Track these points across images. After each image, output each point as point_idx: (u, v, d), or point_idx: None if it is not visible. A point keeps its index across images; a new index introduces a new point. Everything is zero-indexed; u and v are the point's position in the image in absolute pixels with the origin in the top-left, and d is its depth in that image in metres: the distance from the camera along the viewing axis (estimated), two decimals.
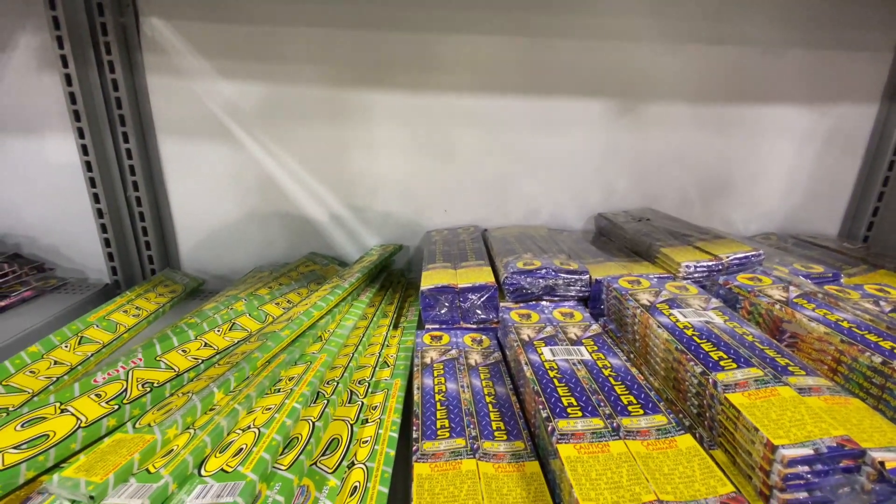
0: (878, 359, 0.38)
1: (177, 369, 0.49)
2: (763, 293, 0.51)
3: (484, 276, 0.62)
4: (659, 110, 0.82)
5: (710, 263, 0.60)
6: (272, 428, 0.41)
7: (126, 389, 0.44)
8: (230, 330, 0.57)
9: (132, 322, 0.65)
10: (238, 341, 0.56)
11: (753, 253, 0.60)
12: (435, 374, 0.50)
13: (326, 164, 0.83)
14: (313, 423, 0.43)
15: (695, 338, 0.43)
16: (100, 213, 0.76)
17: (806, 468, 0.29)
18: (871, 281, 0.61)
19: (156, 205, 0.80)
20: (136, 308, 0.68)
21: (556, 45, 0.77)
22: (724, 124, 0.83)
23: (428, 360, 0.53)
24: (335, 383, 0.50)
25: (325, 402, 0.47)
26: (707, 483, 0.31)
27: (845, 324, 0.43)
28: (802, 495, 0.29)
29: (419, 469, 0.37)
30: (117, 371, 0.47)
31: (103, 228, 0.77)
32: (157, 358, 0.50)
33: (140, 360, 0.49)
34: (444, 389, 0.48)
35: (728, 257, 0.60)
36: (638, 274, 0.61)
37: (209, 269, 0.85)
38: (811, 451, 0.29)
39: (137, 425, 0.40)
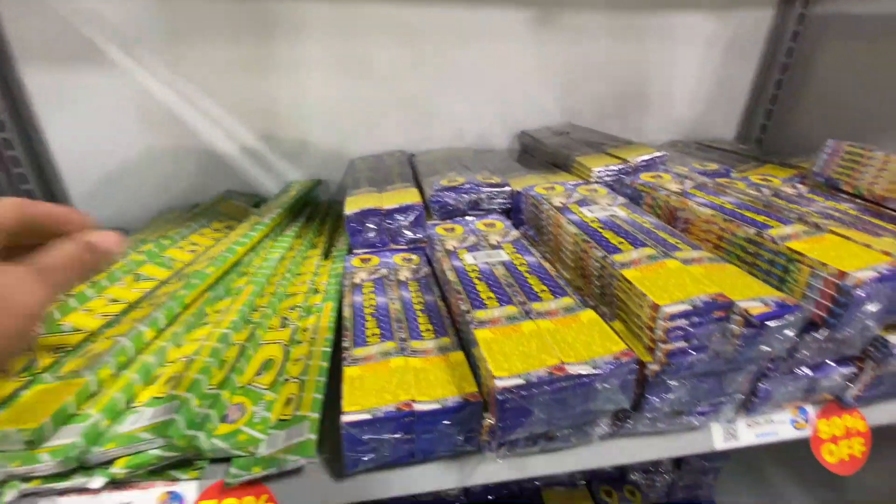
0: (751, 230, 0.43)
1: (85, 330, 0.45)
2: (662, 188, 0.55)
3: (410, 196, 0.62)
4: (576, 20, 0.81)
5: (619, 167, 0.64)
6: (203, 353, 0.40)
7: (34, 361, 0.40)
8: (136, 281, 0.53)
9: None
10: (153, 288, 0.53)
11: (658, 155, 0.64)
12: (365, 292, 0.51)
13: (231, 90, 0.76)
14: (242, 345, 0.43)
15: (599, 229, 0.46)
16: None
17: (684, 321, 0.34)
18: (758, 173, 0.68)
19: (30, 147, 0.70)
20: None
21: None
22: (637, 34, 0.84)
23: (357, 281, 0.53)
24: (264, 309, 0.50)
25: (254, 326, 0.46)
26: (604, 345, 0.35)
27: (728, 206, 0.48)
28: (681, 344, 0.34)
29: (349, 372, 0.38)
30: None
31: None
32: (59, 322, 0.46)
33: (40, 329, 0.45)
34: (374, 304, 0.49)
35: (635, 160, 0.64)
36: (554, 182, 0.63)
37: (109, 217, 0.78)
38: (689, 307, 0.34)
39: (60, 373, 0.37)
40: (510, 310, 0.39)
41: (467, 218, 0.62)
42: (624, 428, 0.40)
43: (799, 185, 0.60)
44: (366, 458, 0.35)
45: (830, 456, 0.46)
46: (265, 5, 0.71)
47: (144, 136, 0.76)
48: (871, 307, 0.35)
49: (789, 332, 0.34)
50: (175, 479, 0.35)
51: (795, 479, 0.93)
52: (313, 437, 0.36)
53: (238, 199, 0.80)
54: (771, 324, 0.33)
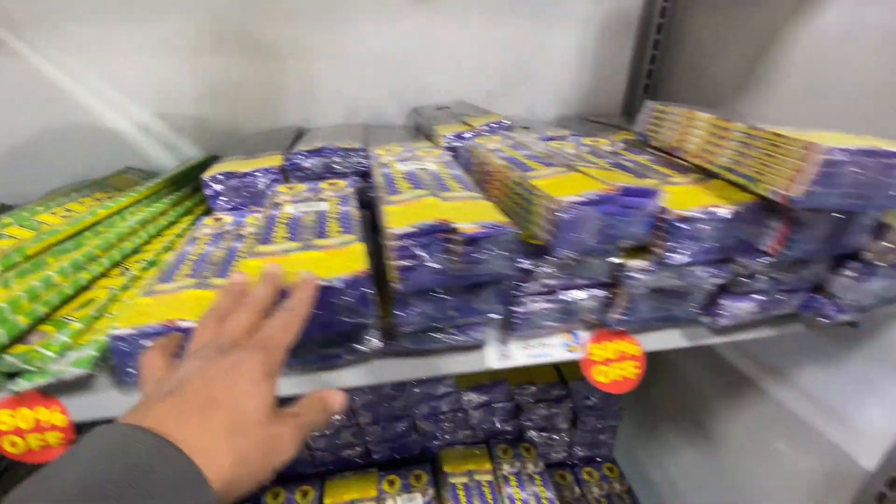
0: (518, 173, 0.48)
1: None
2: (484, 146, 0.60)
3: (270, 161, 0.66)
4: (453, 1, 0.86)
5: (465, 132, 0.68)
6: (16, 287, 0.45)
7: None
8: None
9: None
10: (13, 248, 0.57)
11: (500, 121, 0.69)
12: (198, 243, 0.56)
13: (125, 70, 0.80)
14: (59, 284, 0.48)
15: (398, 179, 0.51)
16: None
17: (410, 241, 0.39)
18: (602, 139, 0.73)
19: None
20: None
21: None
22: (516, 14, 0.89)
23: (198, 235, 0.58)
24: (101, 260, 0.54)
25: (81, 270, 0.51)
26: (349, 266, 0.40)
27: (521, 158, 0.53)
28: (408, 263, 0.39)
29: (141, 300, 0.43)
30: None
31: None
32: None
33: None
34: (203, 252, 0.53)
35: (480, 126, 0.69)
36: (411, 146, 0.68)
37: (10, 196, 0.82)
38: (415, 230, 0.39)
39: None
40: (293, 244, 0.44)
41: (319, 180, 0.66)
42: (392, 346, 0.45)
43: (620, 144, 0.65)
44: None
45: (602, 377, 0.51)
46: None
47: (40, 118, 0.80)
48: (581, 230, 0.40)
49: (498, 249, 0.39)
50: None
51: (682, 434, 0.99)
52: (95, 353, 0.41)
53: (134, 174, 0.85)
54: (478, 239, 0.38)
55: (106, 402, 0.42)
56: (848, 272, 0.47)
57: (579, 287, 0.47)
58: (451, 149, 0.67)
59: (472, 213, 0.41)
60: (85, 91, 0.80)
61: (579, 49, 0.94)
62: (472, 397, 0.95)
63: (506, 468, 0.96)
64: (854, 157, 0.37)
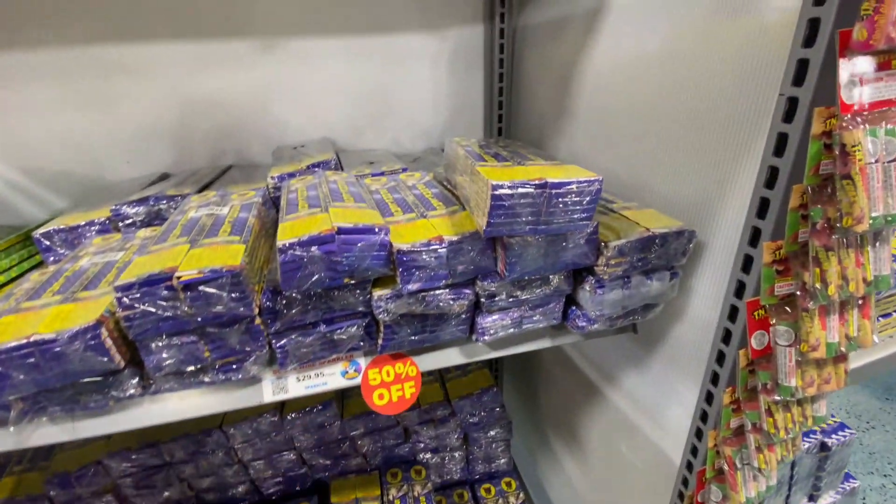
0: (281, 216, 0.52)
1: None
2: (289, 187, 0.64)
3: (99, 213, 0.70)
4: (304, 45, 0.91)
5: (292, 172, 0.73)
6: None
7: None
8: None
9: None
10: None
11: (327, 160, 0.74)
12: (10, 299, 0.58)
13: None
14: None
15: (177, 227, 0.55)
16: None
17: (133, 291, 0.42)
18: (418, 173, 0.77)
19: None
20: None
21: None
22: (369, 54, 0.95)
23: (15, 291, 0.60)
24: None
25: None
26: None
27: (301, 199, 0.57)
28: (130, 312, 0.42)
29: None
30: None
31: None
32: None
33: None
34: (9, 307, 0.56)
35: (306, 165, 0.73)
36: (225, 191, 0.72)
37: None
38: (136, 281, 0.42)
39: None
40: (56, 297, 0.47)
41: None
42: (156, 389, 0.48)
43: (425, 178, 0.70)
44: None
45: (380, 399, 0.54)
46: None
47: None
48: (304, 269, 0.44)
49: (223, 291, 0.43)
50: None
51: (563, 443, 1.02)
52: None
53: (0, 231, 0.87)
54: (196, 284, 0.42)
55: None
56: (585, 286, 0.52)
57: (338, 319, 0.50)
58: (277, 188, 0.72)
59: (210, 258, 0.45)
60: None
61: (433, 84, 1.00)
62: (356, 424, 0.97)
63: (392, 493, 0.97)
64: (519, 189, 0.42)
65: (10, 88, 0.82)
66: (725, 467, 0.54)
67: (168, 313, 0.43)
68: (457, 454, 1.06)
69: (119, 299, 0.42)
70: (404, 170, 0.77)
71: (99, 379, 0.45)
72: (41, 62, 0.82)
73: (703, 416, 0.57)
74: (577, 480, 0.99)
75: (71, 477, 0.87)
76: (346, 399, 1.00)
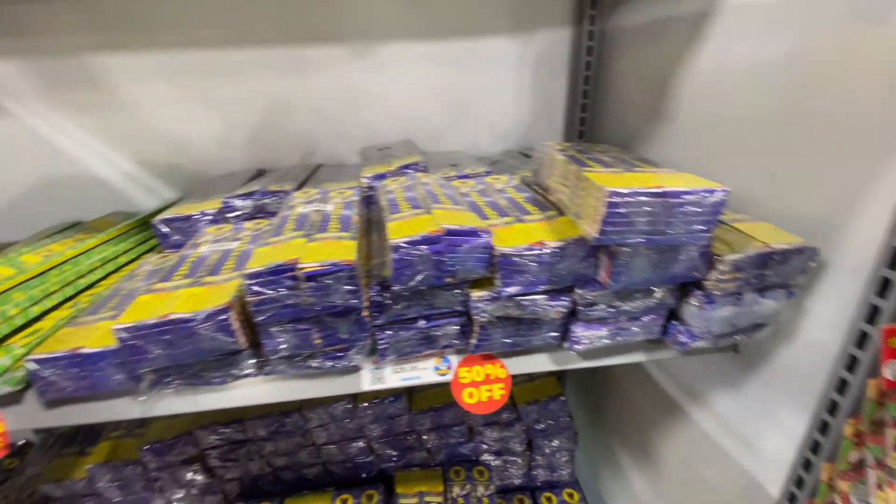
0: (385, 216, 0.54)
1: None
2: (385, 188, 0.66)
3: (211, 205, 0.76)
4: (394, 50, 0.95)
5: (384, 173, 0.75)
6: None
7: None
8: None
9: None
10: None
11: (417, 162, 0.76)
12: (134, 279, 0.65)
13: (105, 125, 0.93)
14: (13, 316, 0.57)
15: (289, 221, 0.58)
16: None
17: (260, 280, 0.45)
18: (519, 176, 0.78)
19: None
20: None
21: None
22: (453, 58, 0.97)
23: (137, 272, 0.67)
24: (54, 295, 0.64)
25: (35, 304, 0.61)
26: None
27: (400, 200, 0.59)
28: (260, 297, 0.46)
29: (65, 331, 0.52)
30: None
31: None
32: None
33: None
34: (134, 287, 0.62)
35: (398, 167, 0.76)
36: (324, 189, 0.75)
37: (20, 234, 0.96)
38: (264, 269, 0.45)
39: None
40: (185, 281, 0.52)
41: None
42: (269, 370, 0.51)
43: (514, 182, 0.70)
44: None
45: (469, 398, 0.55)
46: (122, 58, 0.89)
47: (40, 169, 0.94)
48: (413, 267, 0.46)
49: (338, 284, 0.45)
50: None
51: (633, 460, 0.99)
52: (22, 374, 0.50)
53: (118, 217, 0.97)
54: (317, 276, 0.44)
55: (33, 413, 0.51)
56: (692, 300, 0.50)
57: (436, 316, 0.52)
58: (370, 187, 0.75)
59: (327, 252, 0.48)
60: (73, 145, 0.94)
61: (515, 87, 1.00)
62: (423, 419, 0.99)
63: (456, 491, 0.98)
64: (637, 198, 0.41)
65: (131, 87, 0.91)
66: (839, 502, 0.50)
67: (290, 301, 0.46)
68: (519, 459, 1.05)
69: (249, 286, 0.45)
70: (488, 173, 0.78)
71: (221, 357, 0.49)
72: (159, 64, 0.90)
73: (814, 447, 0.53)
74: (647, 501, 0.95)
75: (165, 445, 0.95)
76: (414, 394, 1.03)
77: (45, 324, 0.60)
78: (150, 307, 0.47)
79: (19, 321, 0.58)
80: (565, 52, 0.98)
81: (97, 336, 0.50)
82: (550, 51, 0.97)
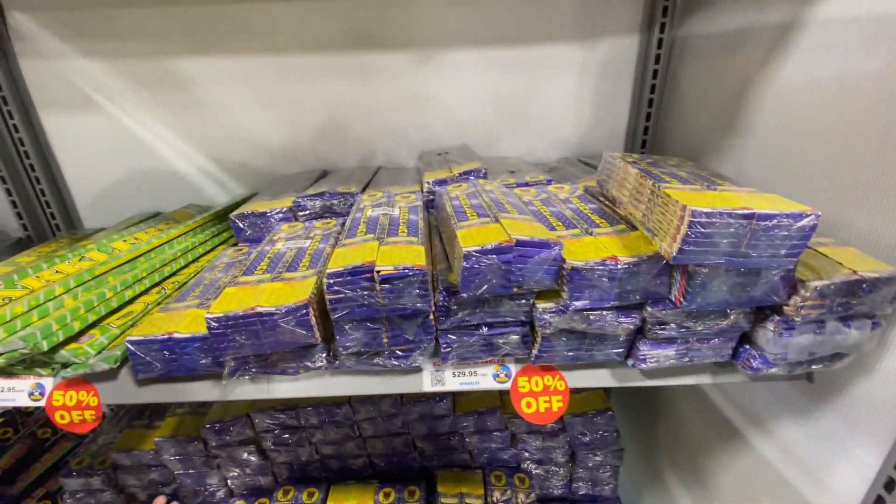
0: (452, 222, 0.55)
1: (31, 288, 0.68)
2: (448, 193, 0.68)
3: (283, 203, 0.80)
4: (457, 56, 0.96)
5: (446, 178, 0.77)
6: (80, 300, 0.60)
7: None
8: (80, 261, 0.76)
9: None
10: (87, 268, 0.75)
11: (478, 168, 0.77)
12: (214, 270, 0.69)
13: (185, 124, 1.00)
14: (109, 298, 0.63)
15: (361, 224, 0.61)
16: (3, 180, 0.95)
17: (340, 279, 0.48)
18: (582, 185, 0.77)
19: (48, 170, 0.99)
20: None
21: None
22: (516, 65, 0.97)
23: (217, 263, 0.72)
24: (143, 281, 0.70)
25: (128, 288, 0.66)
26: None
27: (465, 207, 0.60)
28: (340, 296, 0.48)
29: (158, 315, 0.56)
30: None
31: (8, 192, 0.96)
32: (15, 282, 0.69)
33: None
34: (214, 278, 0.67)
35: (459, 172, 0.77)
36: (394, 191, 0.78)
37: (106, 221, 1.05)
38: (344, 270, 0.48)
39: None
40: (266, 276, 0.55)
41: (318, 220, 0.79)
42: (338, 364, 0.54)
43: (578, 192, 0.69)
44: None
45: (528, 408, 0.56)
46: (204, 62, 0.95)
47: (125, 162, 1.02)
48: (482, 276, 0.47)
49: (410, 287, 0.47)
50: (40, 375, 0.56)
51: (682, 481, 0.96)
52: (119, 353, 0.55)
53: (193, 209, 1.04)
54: (391, 279, 0.46)
55: (126, 389, 0.56)
56: (769, 325, 0.48)
57: (499, 324, 0.53)
58: (432, 192, 0.77)
59: (399, 257, 0.50)
60: (157, 141, 1.02)
61: (577, 94, 0.99)
62: (466, 421, 1.00)
63: (496, 495, 0.99)
64: (722, 218, 0.40)
65: (211, 89, 0.97)
66: None
67: (364, 301, 0.48)
68: (561, 470, 1.04)
69: (329, 284, 0.48)
70: (549, 181, 0.78)
71: (298, 350, 0.53)
72: (236, 68, 0.96)
73: (888, 484, 0.50)
74: None
75: (224, 425, 1.01)
76: (458, 395, 1.04)
77: (136, 307, 0.66)
78: (237, 299, 0.51)
79: (115, 303, 0.64)
80: (632, 60, 0.96)
81: (187, 322, 0.55)
82: (616, 58, 0.96)
